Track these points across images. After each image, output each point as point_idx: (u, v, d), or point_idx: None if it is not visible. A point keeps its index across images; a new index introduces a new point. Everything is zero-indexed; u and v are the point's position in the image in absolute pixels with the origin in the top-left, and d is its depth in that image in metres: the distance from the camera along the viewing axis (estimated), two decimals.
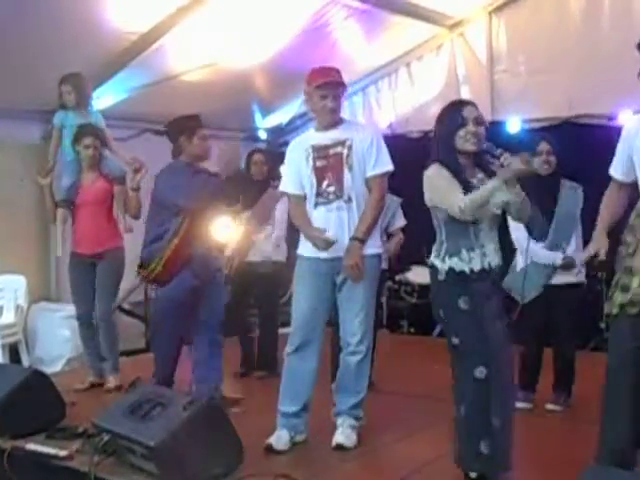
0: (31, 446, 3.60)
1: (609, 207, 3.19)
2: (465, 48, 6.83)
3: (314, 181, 3.76)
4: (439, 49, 6.99)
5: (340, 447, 3.64)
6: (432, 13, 6.52)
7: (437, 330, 6.62)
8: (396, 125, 7.16)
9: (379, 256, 3.88)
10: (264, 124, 8.01)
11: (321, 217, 3.75)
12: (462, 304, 3.10)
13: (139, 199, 4.96)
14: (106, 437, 3.35)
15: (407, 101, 6.99)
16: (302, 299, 3.79)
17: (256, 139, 8.12)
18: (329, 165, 3.73)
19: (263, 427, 4.02)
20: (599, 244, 3.11)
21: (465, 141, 3.15)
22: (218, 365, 4.47)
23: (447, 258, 3.15)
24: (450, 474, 3.22)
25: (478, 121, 3.17)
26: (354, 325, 3.74)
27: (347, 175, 3.70)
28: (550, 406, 4.36)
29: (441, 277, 3.17)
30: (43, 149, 6.52)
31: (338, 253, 3.68)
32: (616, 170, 3.15)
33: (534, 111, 6.39)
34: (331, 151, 3.74)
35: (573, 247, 4.36)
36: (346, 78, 3.95)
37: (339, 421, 3.78)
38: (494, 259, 3.18)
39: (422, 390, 4.68)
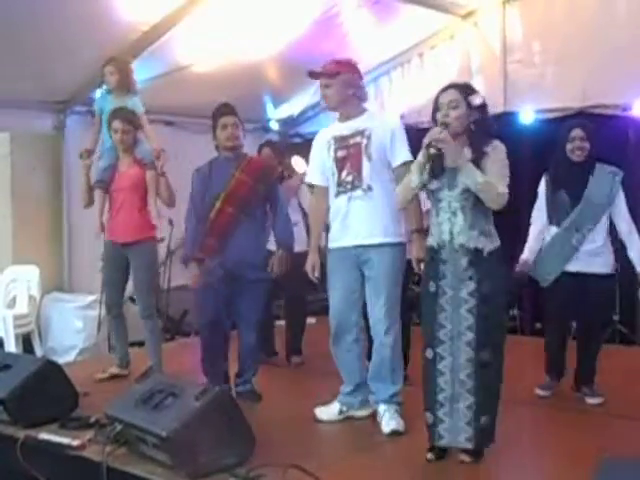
0: (44, 435, 3.62)
1: None
2: (479, 38, 6.77)
3: (335, 171, 3.84)
4: (452, 39, 6.93)
5: (395, 432, 3.70)
6: (445, 2, 6.48)
7: None
8: (408, 116, 7.13)
9: (403, 245, 3.86)
10: (276, 115, 8.00)
11: (341, 206, 3.83)
12: (430, 288, 3.27)
13: (168, 185, 4.88)
14: (118, 427, 3.35)
15: (420, 91, 6.95)
16: (333, 291, 3.90)
17: (268, 130, 8.12)
18: (349, 155, 3.80)
19: (274, 417, 4.04)
20: None
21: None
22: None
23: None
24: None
25: (451, 105, 3.27)
26: (380, 315, 3.78)
27: (366, 164, 3.76)
28: (591, 400, 4.23)
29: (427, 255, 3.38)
30: (55, 139, 6.58)
31: (360, 241, 3.77)
32: None
33: (548, 101, 6.32)
34: (351, 141, 3.81)
35: (599, 240, 4.21)
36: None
37: (383, 408, 3.82)
38: (458, 236, 3.21)
39: None
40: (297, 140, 8.12)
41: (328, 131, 3.96)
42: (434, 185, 3.25)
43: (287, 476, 3.04)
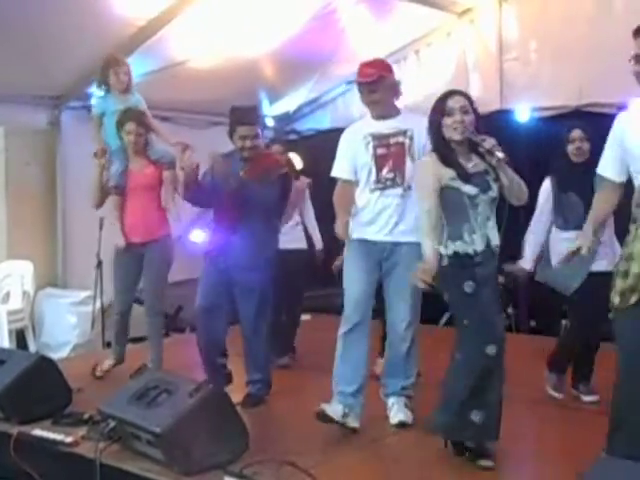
0: (37, 432, 3.61)
1: (600, 207, 3.16)
2: (475, 35, 6.75)
3: (373, 168, 3.84)
4: (448, 36, 6.92)
5: (402, 424, 3.79)
6: (441, 0, 6.47)
7: (444, 319, 6.60)
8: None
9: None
10: (271, 111, 7.98)
11: (377, 201, 3.83)
12: (467, 288, 3.23)
13: None
14: (112, 423, 3.35)
15: (416, 89, 6.92)
16: (353, 282, 3.87)
17: (263, 126, 8.10)
18: (390, 153, 3.82)
19: (268, 414, 4.03)
20: (583, 241, 3.16)
21: (452, 130, 3.28)
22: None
23: (450, 242, 3.27)
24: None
25: (463, 110, 3.28)
26: (403, 311, 3.81)
27: (409, 164, 3.79)
28: (589, 397, 4.25)
29: (444, 262, 3.27)
30: (50, 134, 6.56)
31: (388, 238, 3.80)
32: (606, 170, 3.07)
33: (544, 99, 6.32)
34: (392, 140, 3.83)
35: (605, 236, 4.11)
36: (353, 66, 3.98)
37: (392, 401, 3.91)
38: (494, 239, 3.31)
39: (433, 380, 4.64)
40: (293, 137, 8.10)
41: (361, 127, 3.95)
42: (473, 191, 3.27)
43: (281, 473, 3.04)
